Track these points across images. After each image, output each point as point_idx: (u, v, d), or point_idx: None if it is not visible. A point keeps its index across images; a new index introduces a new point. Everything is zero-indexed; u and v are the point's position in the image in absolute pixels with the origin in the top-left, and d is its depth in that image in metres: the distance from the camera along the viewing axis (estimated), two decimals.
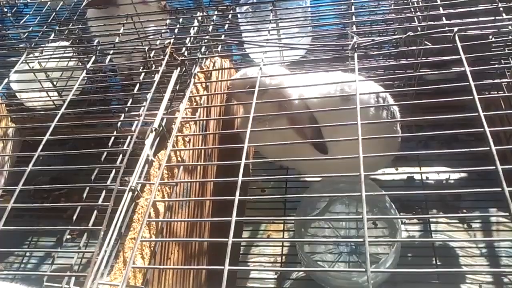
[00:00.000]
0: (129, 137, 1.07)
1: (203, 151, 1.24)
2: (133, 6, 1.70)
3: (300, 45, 1.54)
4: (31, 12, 2.12)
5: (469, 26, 1.08)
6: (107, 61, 1.44)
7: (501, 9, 1.17)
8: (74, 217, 1.05)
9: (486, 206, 1.68)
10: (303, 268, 1.47)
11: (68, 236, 1.88)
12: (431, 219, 1.67)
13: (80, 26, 1.87)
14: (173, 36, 1.39)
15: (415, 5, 1.46)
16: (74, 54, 1.80)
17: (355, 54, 1.09)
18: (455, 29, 1.04)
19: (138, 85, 1.26)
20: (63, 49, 1.76)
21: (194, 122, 1.14)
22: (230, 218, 0.77)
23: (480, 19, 1.14)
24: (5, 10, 1.96)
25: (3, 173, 1.66)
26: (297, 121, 1.31)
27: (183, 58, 1.26)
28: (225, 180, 0.94)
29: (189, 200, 1.14)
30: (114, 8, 1.89)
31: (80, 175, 2.06)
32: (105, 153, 1.15)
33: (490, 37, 1.21)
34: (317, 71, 1.64)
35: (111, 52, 1.42)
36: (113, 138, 1.23)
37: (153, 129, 1.03)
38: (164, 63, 1.23)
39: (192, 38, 1.38)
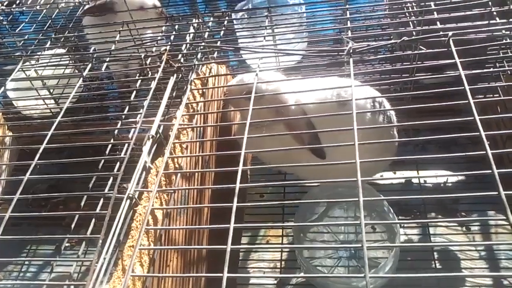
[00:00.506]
0: (126, 144, 1.07)
1: (200, 157, 1.24)
2: (131, 13, 1.71)
3: (296, 50, 1.55)
4: (27, 20, 2.12)
5: (463, 31, 1.08)
6: (103, 68, 1.44)
7: (494, 13, 1.17)
8: (73, 225, 1.05)
9: (484, 209, 1.68)
10: (302, 275, 1.47)
11: (67, 244, 1.87)
12: (429, 223, 1.67)
13: (76, 33, 1.87)
14: (169, 43, 1.39)
15: (410, 10, 1.47)
16: (71, 62, 1.80)
17: (351, 59, 1.10)
18: (450, 33, 1.05)
19: (134, 92, 1.27)
20: (59, 57, 1.76)
21: (191, 129, 1.14)
22: (228, 225, 0.77)
23: (474, 23, 1.14)
24: (1, 18, 1.96)
25: (0, 181, 1.65)
26: (294, 127, 1.32)
27: (179, 64, 1.26)
28: (223, 186, 0.94)
29: (187, 207, 1.13)
30: (112, 15, 1.89)
31: (77, 183, 2.05)
32: (103, 161, 1.15)
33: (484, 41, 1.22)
34: (313, 76, 1.65)
35: (108, 59, 1.42)
36: (110, 145, 1.23)
37: (150, 136, 1.03)
38: (160, 70, 1.24)
39: (188, 44, 1.38)
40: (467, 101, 0.89)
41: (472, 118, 0.86)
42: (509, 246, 1.58)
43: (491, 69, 1.52)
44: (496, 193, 0.72)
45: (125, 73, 2.06)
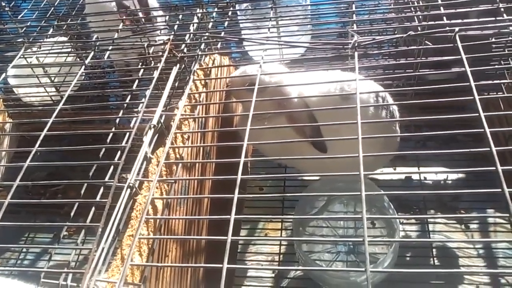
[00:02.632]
0: (128, 133, 1.06)
1: (201, 148, 1.24)
2: None
3: (300, 43, 1.54)
4: (29, 7, 2.10)
5: (469, 26, 1.07)
6: (105, 57, 1.43)
7: (501, 9, 1.16)
8: (72, 213, 1.04)
9: (484, 207, 1.68)
10: (302, 267, 1.47)
11: (65, 233, 1.87)
12: (429, 220, 1.68)
13: (78, 21, 1.85)
14: (173, 33, 1.38)
15: (416, 4, 1.46)
16: (72, 50, 1.79)
17: (355, 53, 1.09)
18: (456, 29, 1.04)
19: (137, 81, 1.26)
20: (61, 44, 1.75)
21: (193, 119, 1.14)
22: (229, 216, 0.77)
23: (481, 19, 1.13)
24: (3, 4, 1.95)
25: (0, 168, 1.65)
26: (296, 120, 1.31)
27: (182, 55, 1.25)
28: (224, 178, 0.94)
29: (188, 197, 1.13)
30: None
31: (76, 171, 2.05)
32: (103, 150, 1.14)
33: (490, 37, 1.21)
34: (316, 69, 1.64)
35: (110, 48, 1.41)
36: (111, 134, 1.22)
37: (152, 126, 1.03)
38: (163, 59, 1.23)
39: (191, 35, 1.37)
40: (472, 98, 0.88)
41: (477, 114, 0.85)
42: (507, 244, 1.59)
43: (496, 66, 1.51)
44: (500, 190, 0.71)
45: (126, 62, 2.05)
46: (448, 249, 1.62)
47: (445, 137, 1.88)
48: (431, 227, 1.68)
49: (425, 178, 1.85)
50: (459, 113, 0.89)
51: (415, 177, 1.86)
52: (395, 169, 1.86)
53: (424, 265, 1.54)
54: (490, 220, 1.69)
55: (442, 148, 1.90)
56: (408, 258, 1.58)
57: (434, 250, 1.56)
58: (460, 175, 1.86)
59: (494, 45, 1.39)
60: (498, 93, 1.53)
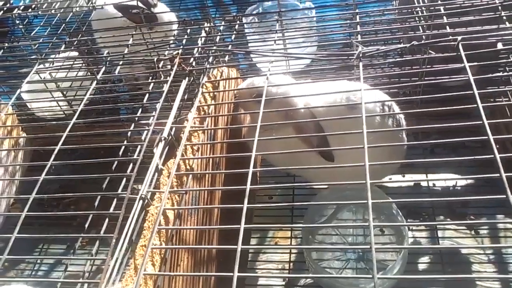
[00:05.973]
0: (139, 146, 1.09)
1: (211, 159, 1.26)
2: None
3: (306, 54, 1.56)
4: (41, 24, 2.16)
5: (472, 35, 1.09)
6: (116, 71, 1.46)
7: (504, 17, 1.18)
8: (86, 225, 1.07)
9: (494, 213, 1.68)
10: (311, 275, 1.48)
11: (78, 244, 1.90)
12: (438, 226, 1.68)
13: (89, 37, 1.90)
14: (181, 47, 1.42)
15: (420, 14, 1.48)
16: (84, 65, 1.83)
17: (360, 63, 1.11)
18: (459, 38, 1.06)
19: (147, 95, 1.29)
20: (73, 60, 1.79)
21: (202, 131, 1.16)
22: (239, 226, 0.79)
23: (484, 27, 1.15)
24: (17, 22, 2.00)
25: (14, 181, 1.68)
26: (303, 130, 1.33)
27: (191, 68, 1.28)
28: (234, 188, 0.96)
29: (198, 208, 1.15)
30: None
31: (88, 183, 2.08)
32: (116, 162, 1.17)
33: (498, 44, 1.22)
34: (322, 80, 1.67)
35: (121, 62, 1.45)
36: (123, 146, 1.25)
37: (163, 138, 1.05)
38: (172, 73, 1.26)
39: (199, 48, 1.41)
40: (475, 105, 0.90)
41: (481, 122, 0.87)
42: None
43: (501, 74, 1.52)
44: (504, 196, 0.73)
45: (136, 77, 2.08)
46: (458, 256, 1.62)
47: (454, 144, 1.89)
48: (440, 233, 1.68)
49: (434, 185, 1.85)
50: (468, 120, 0.90)
51: (424, 184, 1.86)
52: (404, 176, 1.87)
53: (434, 271, 1.54)
54: (500, 226, 1.68)
55: (451, 155, 1.90)
56: (417, 265, 1.58)
57: (443, 256, 1.56)
58: (469, 181, 1.86)
59: (501, 52, 1.39)
60: (504, 100, 1.54)
